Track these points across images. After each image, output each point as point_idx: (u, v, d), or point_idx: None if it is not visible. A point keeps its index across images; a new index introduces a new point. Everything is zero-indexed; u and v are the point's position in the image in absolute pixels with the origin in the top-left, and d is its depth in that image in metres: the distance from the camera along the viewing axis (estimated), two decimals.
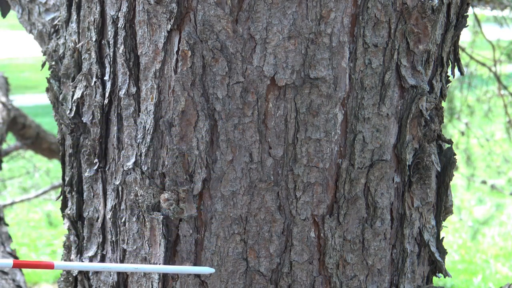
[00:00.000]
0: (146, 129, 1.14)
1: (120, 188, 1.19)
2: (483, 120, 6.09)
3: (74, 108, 1.24)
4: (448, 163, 1.25)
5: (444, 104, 1.27)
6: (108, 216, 1.22)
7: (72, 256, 1.29)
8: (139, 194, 1.16)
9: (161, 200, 1.14)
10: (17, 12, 1.60)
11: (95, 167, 1.23)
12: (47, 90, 1.33)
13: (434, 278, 1.31)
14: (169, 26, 1.09)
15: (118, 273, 1.21)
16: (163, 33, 1.10)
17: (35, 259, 6.41)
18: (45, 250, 6.65)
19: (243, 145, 1.10)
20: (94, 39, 1.20)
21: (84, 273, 1.28)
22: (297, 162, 1.11)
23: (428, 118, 1.19)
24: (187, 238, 1.14)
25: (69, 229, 1.30)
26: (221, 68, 1.09)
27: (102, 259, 1.24)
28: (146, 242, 1.16)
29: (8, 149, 4.44)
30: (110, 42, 1.17)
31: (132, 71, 1.15)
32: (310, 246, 1.14)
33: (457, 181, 7.01)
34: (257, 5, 1.07)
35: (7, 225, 2.07)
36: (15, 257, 1.89)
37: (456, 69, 1.28)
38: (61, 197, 1.33)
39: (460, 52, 1.54)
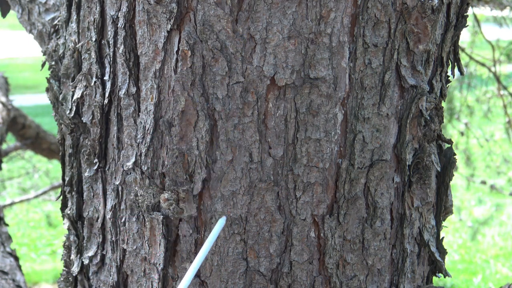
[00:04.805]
0: (146, 129, 1.14)
1: (120, 188, 1.19)
2: (483, 120, 6.09)
3: (74, 108, 1.24)
4: (448, 163, 1.25)
5: (443, 104, 1.27)
6: (108, 216, 1.22)
7: (72, 256, 1.29)
8: (139, 194, 1.16)
9: (161, 200, 1.14)
10: (17, 12, 1.60)
11: (95, 167, 1.23)
12: (47, 90, 1.33)
13: (434, 278, 1.31)
14: (169, 26, 1.09)
15: (118, 273, 1.21)
16: (163, 33, 1.10)
17: (35, 259, 6.41)
18: (45, 250, 6.66)
19: (243, 145, 1.10)
20: (94, 39, 1.20)
21: (84, 273, 1.28)
22: (297, 162, 1.11)
23: (428, 118, 1.19)
24: (187, 238, 1.14)
25: (69, 229, 1.30)
26: (221, 68, 1.09)
27: (102, 259, 1.24)
28: (146, 242, 1.16)
29: (8, 149, 4.44)
30: (110, 42, 1.17)
31: (132, 71, 1.14)
32: (310, 246, 1.14)
33: (457, 181, 7.02)
34: (257, 5, 1.07)
35: (7, 225, 2.07)
36: (15, 257, 1.89)
37: (456, 69, 1.28)
38: (61, 197, 1.33)
39: (460, 52, 1.54)
